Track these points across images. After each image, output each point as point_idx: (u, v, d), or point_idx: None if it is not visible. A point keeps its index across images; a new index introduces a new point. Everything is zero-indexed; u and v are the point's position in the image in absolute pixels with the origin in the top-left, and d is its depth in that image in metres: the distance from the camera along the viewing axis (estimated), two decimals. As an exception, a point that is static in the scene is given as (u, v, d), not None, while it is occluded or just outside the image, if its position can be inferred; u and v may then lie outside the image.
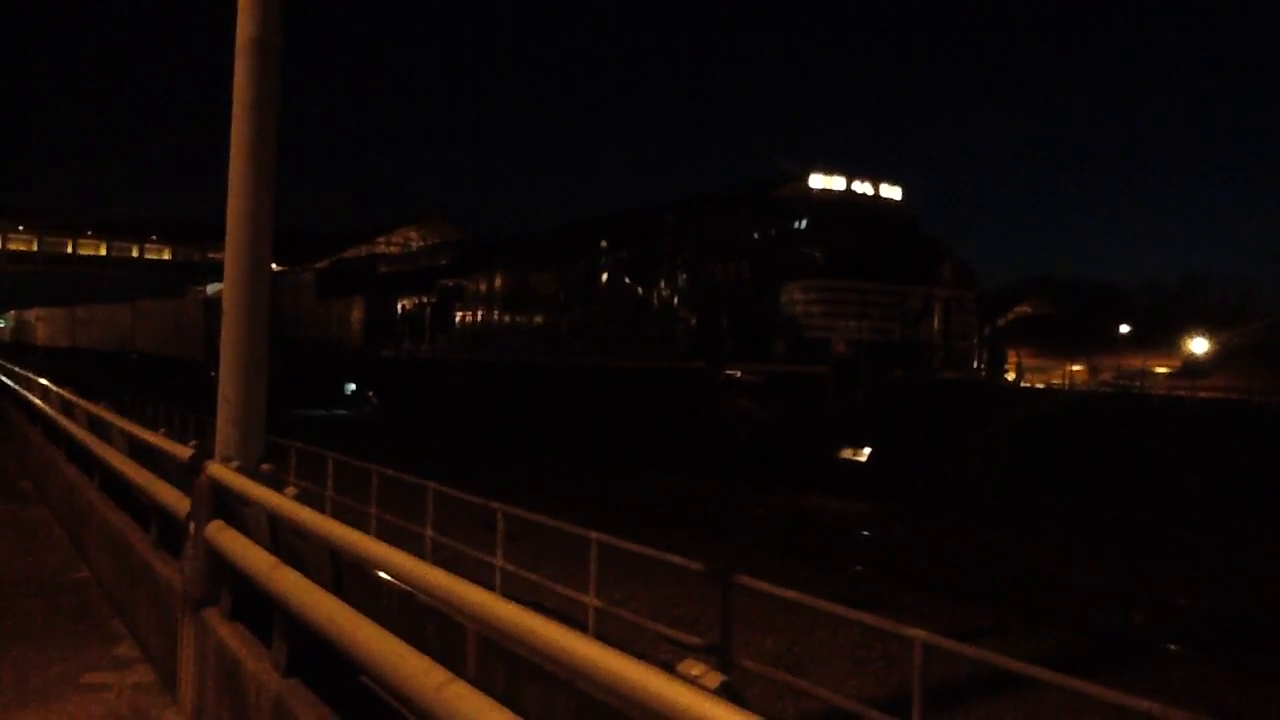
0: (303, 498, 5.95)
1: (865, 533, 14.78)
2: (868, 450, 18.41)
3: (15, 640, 8.34)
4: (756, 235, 21.35)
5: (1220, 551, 14.35)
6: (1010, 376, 34.36)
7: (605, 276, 25.41)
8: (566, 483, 19.13)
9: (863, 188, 21.21)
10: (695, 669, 2.56)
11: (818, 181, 20.76)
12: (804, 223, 20.65)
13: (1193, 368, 79.50)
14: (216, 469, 6.85)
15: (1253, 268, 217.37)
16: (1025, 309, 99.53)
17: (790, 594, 5.68)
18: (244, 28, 7.62)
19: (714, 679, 2.51)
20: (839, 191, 20.90)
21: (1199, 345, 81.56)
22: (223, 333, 7.50)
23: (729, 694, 2.45)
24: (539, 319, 28.34)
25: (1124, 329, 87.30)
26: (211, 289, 58.39)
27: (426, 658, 4.10)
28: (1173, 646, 8.95)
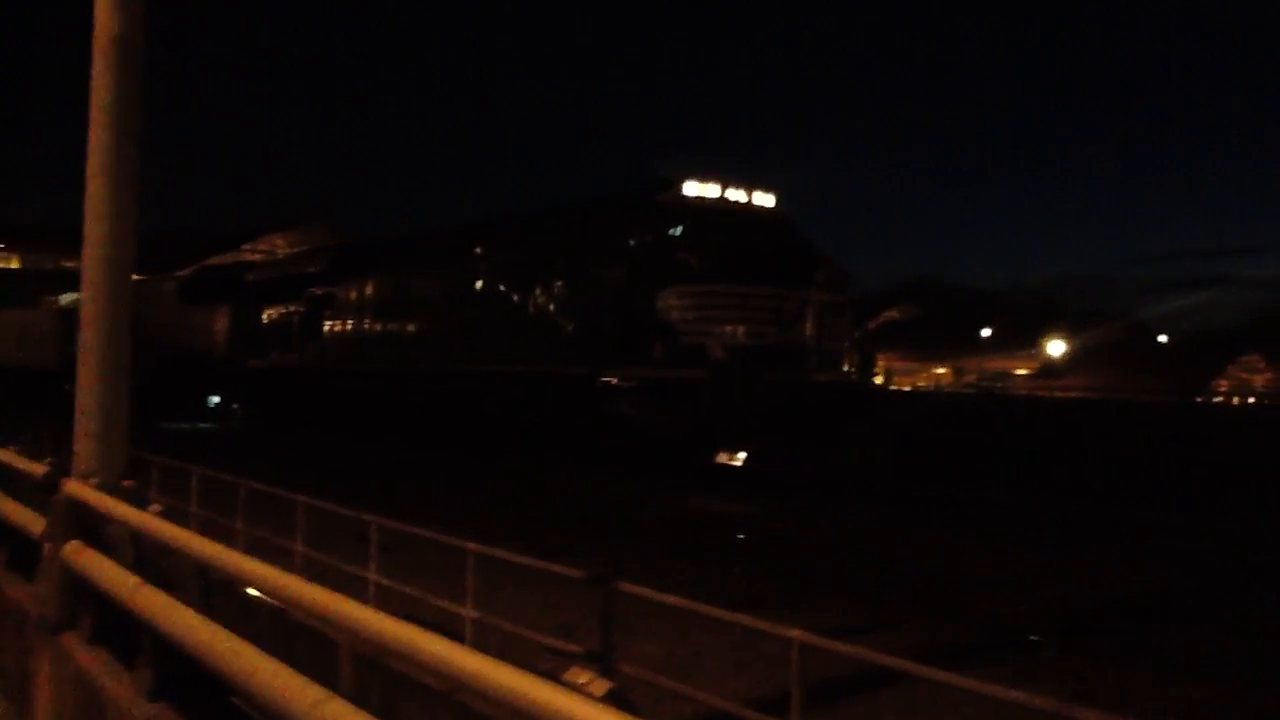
0: (167, 514, 5.72)
1: (743, 534, 14.98)
2: (744, 452, 18.69)
3: None
4: (634, 241, 21.49)
5: (1088, 541, 14.98)
6: (879, 379, 35.37)
7: (485, 282, 25.21)
8: (447, 491, 18.88)
9: (737, 194, 21.54)
10: (581, 677, 2.54)
11: (693, 189, 21.01)
12: (680, 229, 20.86)
13: (1050, 369, 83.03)
14: (74, 486, 6.54)
15: (1114, 270, 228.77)
16: (894, 313, 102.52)
17: (671, 599, 5.70)
18: (103, 24, 7.30)
19: (600, 686, 2.49)
20: (714, 198, 21.19)
21: (1056, 347, 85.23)
22: (80, 343, 7.16)
23: (616, 701, 2.44)
24: (416, 325, 27.94)
25: (987, 332, 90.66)
26: (66, 298, 55.88)
27: (300, 675, 3.98)
28: (1044, 635, 9.29)
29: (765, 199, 21.92)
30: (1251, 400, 78.75)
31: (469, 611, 7.27)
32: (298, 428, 31.55)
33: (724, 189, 21.36)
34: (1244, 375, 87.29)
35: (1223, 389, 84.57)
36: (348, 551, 9.60)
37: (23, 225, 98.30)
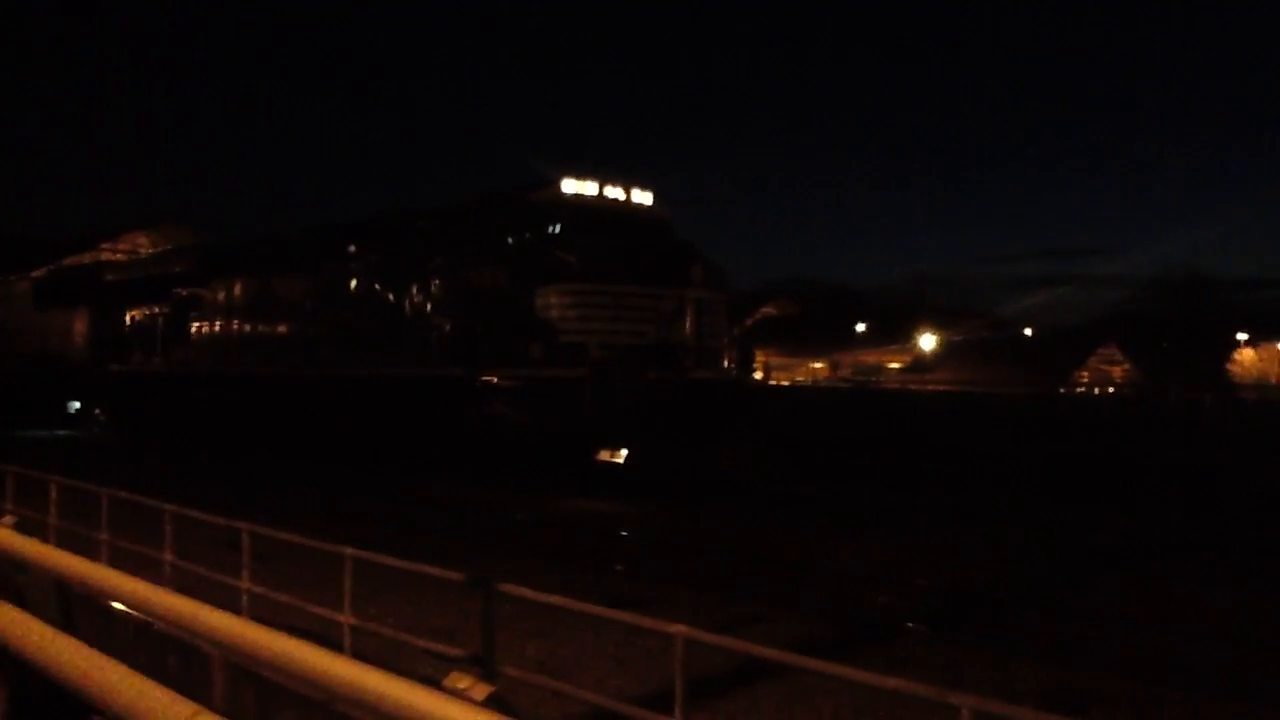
0: (23, 526, 5.45)
1: (624, 533, 15.03)
2: (625, 451, 18.75)
3: None
4: (511, 240, 21.33)
5: (955, 532, 15.46)
6: (758, 375, 35.90)
7: (356, 282, 24.71)
8: (322, 496, 18.46)
9: (615, 192, 21.58)
10: (462, 682, 2.51)
11: (570, 186, 20.96)
12: (558, 227, 20.80)
13: (921, 363, 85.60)
14: (-82, 500, 6.19)
15: (972, 268, 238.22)
16: (770, 309, 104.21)
17: (552, 599, 5.67)
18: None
19: (481, 690, 2.46)
20: (592, 196, 21.18)
21: (927, 342, 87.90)
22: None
23: (497, 704, 2.41)
24: (286, 328, 27.23)
25: (861, 327, 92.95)
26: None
27: (169, 690, 3.83)
28: (914, 625, 9.55)
29: (643, 197, 22.01)
30: (1111, 390, 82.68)
31: (346, 617, 7.11)
32: (163, 435, 30.44)
33: (601, 187, 21.37)
34: (1104, 367, 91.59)
35: (1084, 380, 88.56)
36: (219, 561, 9.29)
37: None
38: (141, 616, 4.69)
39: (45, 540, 5.57)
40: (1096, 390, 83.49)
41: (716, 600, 10.42)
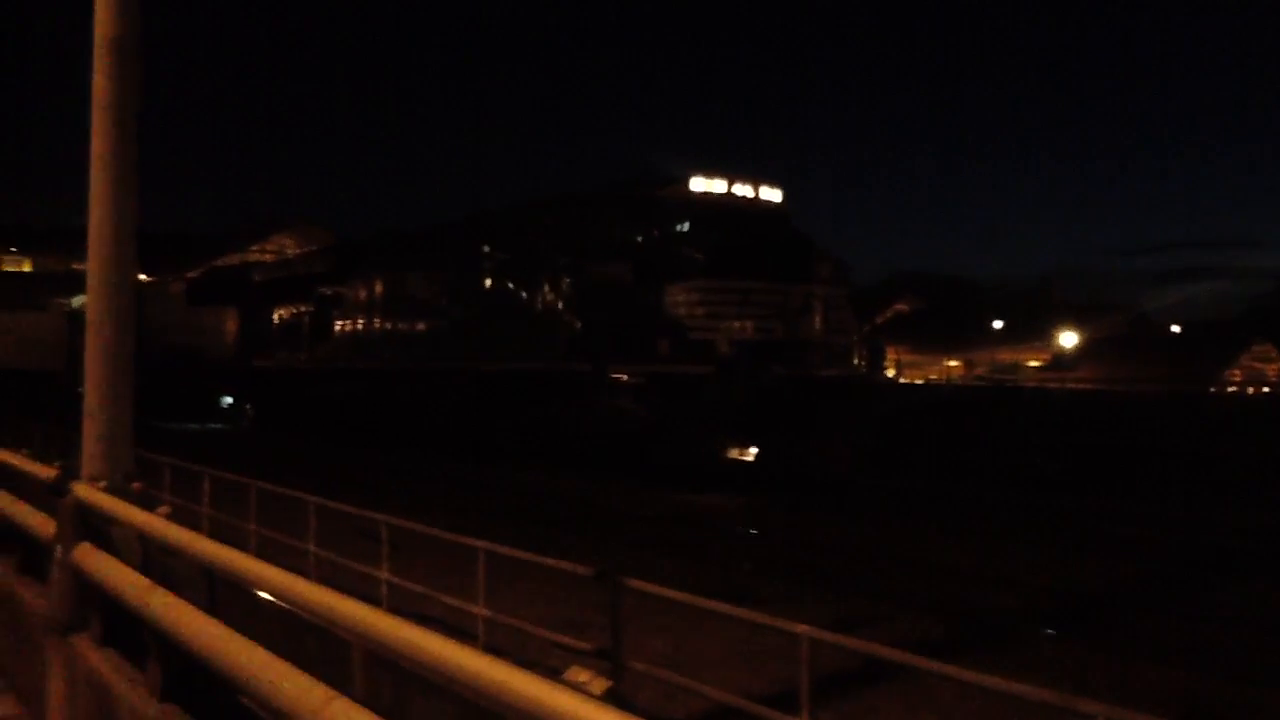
0: (176, 516, 5.75)
1: (753, 531, 14.99)
2: (754, 449, 18.68)
3: None
4: (639, 237, 21.49)
5: (1079, 533, 14.97)
6: (890, 372, 35.32)
7: (484, 279, 25.22)
8: (452, 488, 18.92)
9: (743, 190, 21.53)
10: (581, 676, 2.56)
11: (699, 184, 21.00)
12: (686, 225, 20.87)
13: (1061, 361, 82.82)
14: (83, 489, 6.57)
15: (1111, 261, 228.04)
16: (902, 306, 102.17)
17: (679, 595, 5.71)
18: (101, 26, 7.33)
19: (599, 685, 2.51)
20: (720, 194, 21.18)
21: (1068, 339, 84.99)
22: (87, 346, 7.19)
23: (615, 700, 2.45)
24: (418, 324, 27.98)
25: (997, 324, 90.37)
26: (75, 301, 56.03)
27: (308, 676, 4.00)
28: (1039, 627, 9.30)
29: (771, 193, 21.91)
30: (1266, 390, 78.47)
31: (480, 609, 7.29)
32: (305, 428, 31.64)
33: (730, 184, 21.36)
34: (1257, 365, 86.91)
35: (1237, 379, 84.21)
36: (358, 551, 9.63)
37: (35, 228, 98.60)
38: (283, 604, 4.89)
39: (198, 529, 5.86)
40: (1250, 390, 79.36)
41: (837, 598, 10.33)
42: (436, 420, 26.24)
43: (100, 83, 7.30)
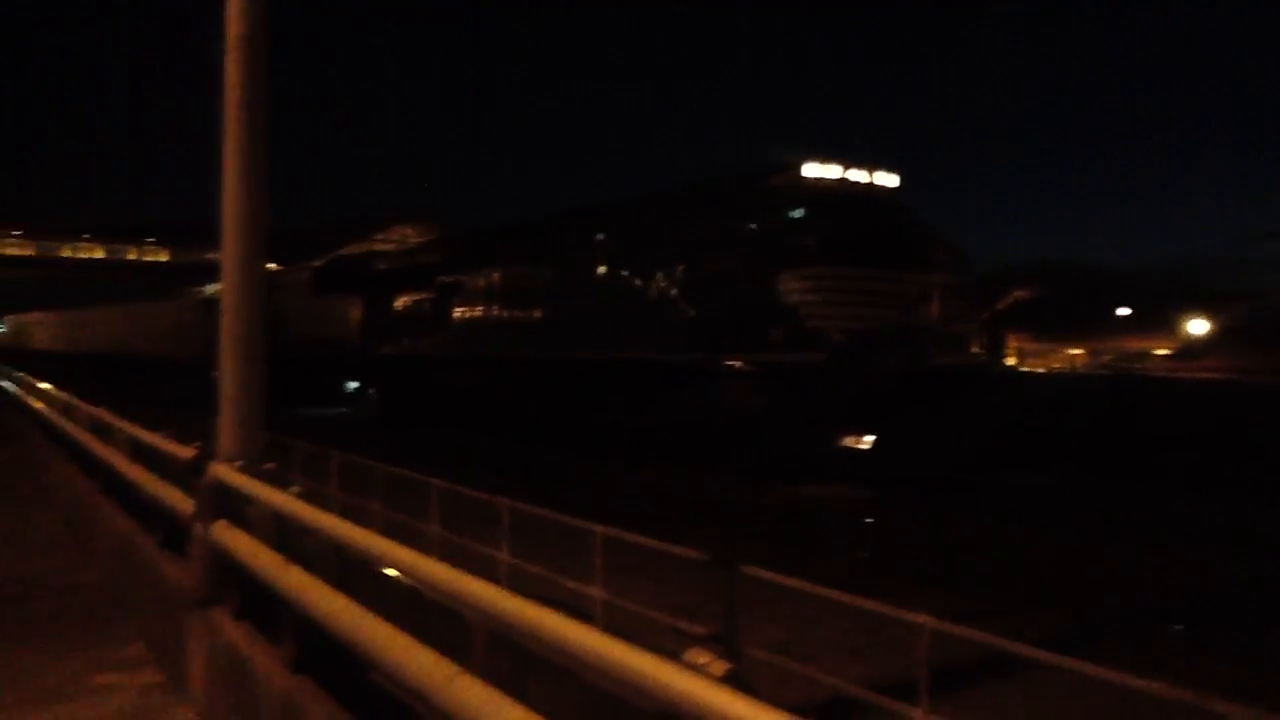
0: (307, 496, 5.98)
1: (869, 519, 14.84)
2: (869, 438, 18.44)
3: (24, 643, 8.39)
4: (753, 225, 21.38)
5: (1211, 530, 14.42)
6: (1011, 361, 34.47)
7: (598, 268, 25.41)
8: (564, 476, 19.17)
9: (858, 175, 21.23)
10: (702, 657, 2.60)
11: (813, 170, 20.78)
12: (800, 212, 20.68)
13: (1190, 349, 79.60)
14: (220, 469, 6.89)
15: (1243, 248, 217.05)
16: (1022, 293, 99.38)
17: (795, 582, 5.70)
18: (233, 25, 7.64)
19: (720, 667, 2.55)
20: (834, 179, 20.93)
21: (1198, 327, 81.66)
22: (222, 332, 7.52)
23: (735, 681, 2.49)
24: (534, 312, 28.36)
25: (1123, 312, 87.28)
26: (209, 289, 58.29)
27: (434, 652, 4.14)
28: (1169, 625, 9.01)
29: (887, 179, 21.56)
30: None
31: (598, 592, 7.40)
32: (426, 414, 32.39)
33: (845, 170, 21.08)
34: None
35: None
36: (478, 534, 9.84)
37: (172, 221, 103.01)
38: (408, 582, 5.06)
39: (326, 509, 6.09)
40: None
41: (951, 591, 10.16)
42: (549, 408, 26.59)
43: (232, 80, 7.62)
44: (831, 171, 20.92)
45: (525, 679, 5.43)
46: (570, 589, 7.92)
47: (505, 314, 29.72)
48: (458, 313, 32.01)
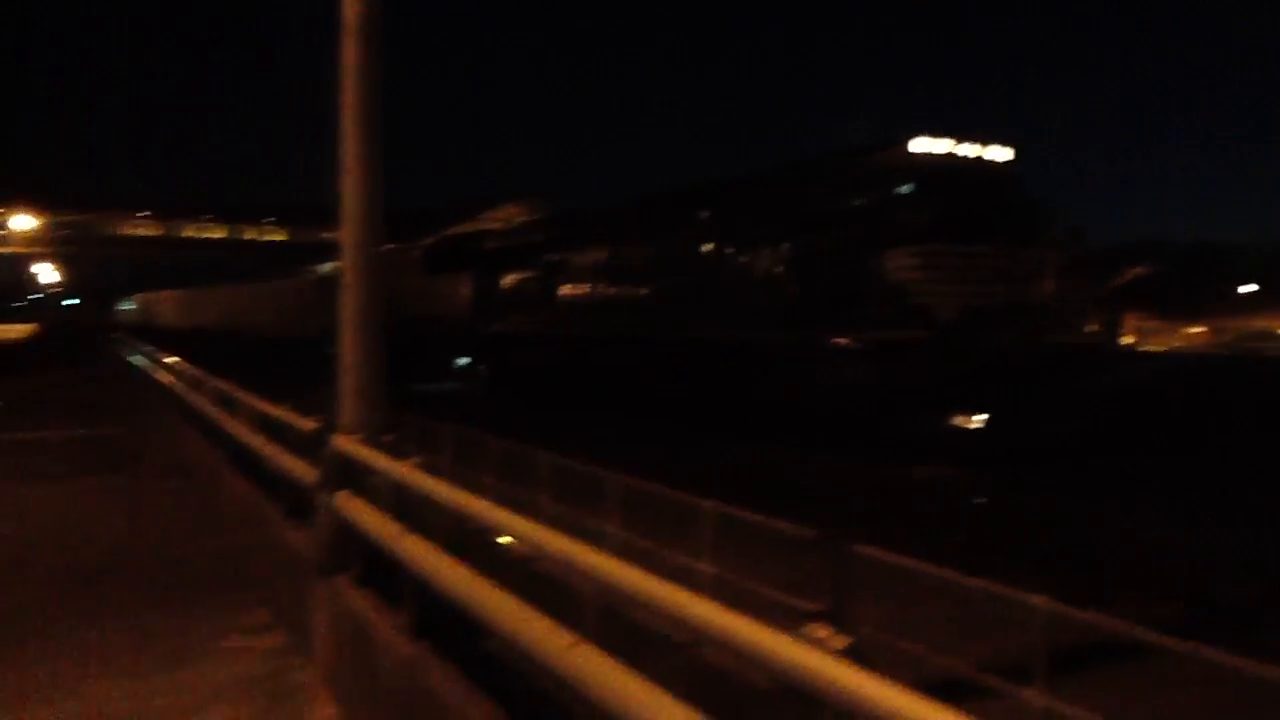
0: (425, 467, 6.15)
1: (979, 500, 14.61)
2: (980, 417, 18.13)
3: (156, 607, 8.79)
4: (859, 201, 21.12)
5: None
6: (1128, 340, 33.39)
7: (701, 246, 25.38)
8: (670, 453, 19.24)
9: (967, 150, 20.80)
10: (821, 632, 2.63)
11: (920, 145, 20.43)
12: (906, 187, 20.37)
13: (1321, 328, 76.01)
14: (342, 441, 7.12)
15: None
16: (1140, 270, 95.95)
17: (906, 561, 5.69)
18: (348, 10, 7.82)
19: (840, 641, 2.57)
20: (942, 154, 20.55)
21: (1329, 304, 77.93)
22: (341, 309, 7.75)
23: (855, 655, 2.51)
24: (638, 290, 28.49)
25: (1247, 289, 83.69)
26: (325, 268, 59.84)
27: (552, 621, 4.25)
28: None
29: (998, 153, 21.06)
30: None
31: (707, 566, 7.46)
32: (533, 389, 32.85)
33: (954, 144, 20.67)
34: None
35: None
36: (586, 507, 9.99)
37: (289, 203, 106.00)
38: (523, 552, 5.18)
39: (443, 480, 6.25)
40: None
41: (1061, 575, 9.96)
42: (646, 384, 26.70)
43: (347, 64, 7.82)
44: (940, 146, 20.54)
45: (636, 655, 5.52)
46: (679, 564, 8.00)
47: (610, 292, 29.93)
48: (564, 290, 32.34)
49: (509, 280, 36.16)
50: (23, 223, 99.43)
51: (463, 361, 40.48)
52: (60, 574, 9.92)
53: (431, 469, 6.29)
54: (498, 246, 39.53)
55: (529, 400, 31.16)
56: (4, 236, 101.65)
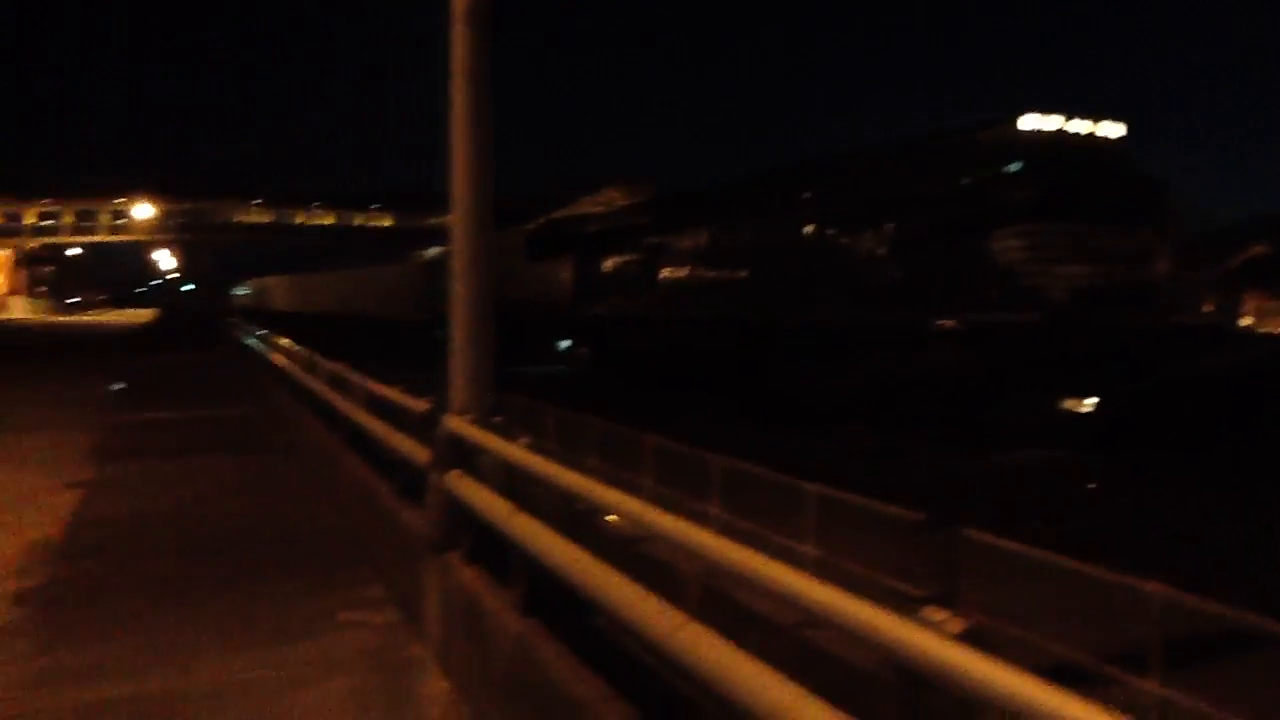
0: (533, 448, 6.27)
1: (1091, 485, 14.30)
2: (1091, 400, 17.70)
3: (275, 582, 9.11)
4: (966, 180, 20.74)
5: None
6: (1247, 321, 32.12)
7: (803, 228, 25.21)
8: (769, 437, 19.20)
9: (1078, 127, 20.26)
10: (939, 615, 2.63)
11: (1029, 122, 20.00)
12: (1015, 166, 19.96)
13: None
14: (453, 421, 7.29)
15: None
16: (1261, 249, 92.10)
17: (1018, 546, 5.62)
18: (457, -1, 7.92)
19: (957, 624, 2.57)
20: (1052, 132, 20.09)
21: None
22: (452, 292, 7.91)
23: (972, 639, 2.51)
24: (738, 273, 28.46)
25: (1379, 267, 79.61)
26: (431, 253, 60.91)
27: (660, 600, 4.31)
28: None
29: (1110, 130, 20.46)
30: None
31: (810, 549, 7.47)
32: (637, 372, 33.06)
33: (1064, 121, 20.13)
34: None
35: None
36: (690, 488, 10.06)
37: (395, 190, 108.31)
38: (630, 533, 5.25)
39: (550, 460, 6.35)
40: None
41: (1170, 565, 9.68)
42: (755, 369, 26.65)
43: (457, 52, 7.94)
44: (1050, 123, 20.06)
45: (739, 633, 5.57)
46: (781, 545, 8.01)
47: (709, 274, 29.94)
48: (664, 273, 32.46)
49: (609, 263, 36.43)
50: (143, 211, 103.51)
51: (564, 344, 40.89)
52: (190, 547, 10.35)
53: (538, 450, 6.41)
54: (598, 230, 39.86)
55: (630, 382, 31.36)
56: (126, 224, 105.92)
